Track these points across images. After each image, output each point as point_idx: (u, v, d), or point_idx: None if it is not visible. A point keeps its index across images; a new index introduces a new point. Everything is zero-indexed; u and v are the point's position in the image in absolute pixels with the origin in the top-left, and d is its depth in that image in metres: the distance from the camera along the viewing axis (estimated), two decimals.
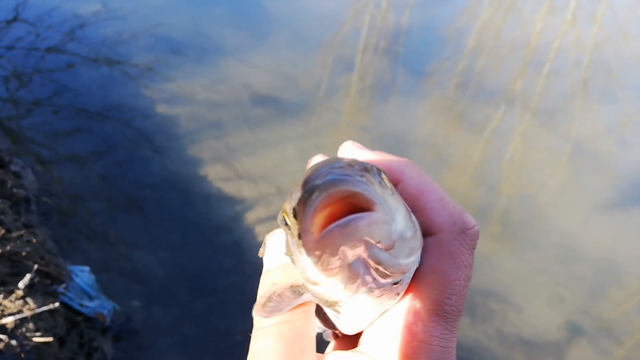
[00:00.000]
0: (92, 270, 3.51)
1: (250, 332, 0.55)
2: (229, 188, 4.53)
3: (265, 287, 0.56)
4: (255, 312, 0.54)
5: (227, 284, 3.77)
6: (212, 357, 3.33)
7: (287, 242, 0.52)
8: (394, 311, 0.51)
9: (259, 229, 4.22)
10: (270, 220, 4.30)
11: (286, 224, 0.48)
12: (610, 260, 4.58)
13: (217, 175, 4.63)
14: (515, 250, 4.53)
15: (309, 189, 0.43)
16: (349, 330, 0.58)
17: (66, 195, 4.29)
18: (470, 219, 0.52)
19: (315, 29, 7.16)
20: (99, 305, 3.26)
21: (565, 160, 5.74)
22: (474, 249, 0.52)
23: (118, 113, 5.11)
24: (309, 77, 6.15)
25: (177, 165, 4.69)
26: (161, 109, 5.25)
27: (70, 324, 3.04)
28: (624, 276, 4.50)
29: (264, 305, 0.53)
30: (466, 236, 0.51)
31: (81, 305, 3.17)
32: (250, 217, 4.32)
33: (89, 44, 5.89)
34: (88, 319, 3.17)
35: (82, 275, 3.34)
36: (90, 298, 3.27)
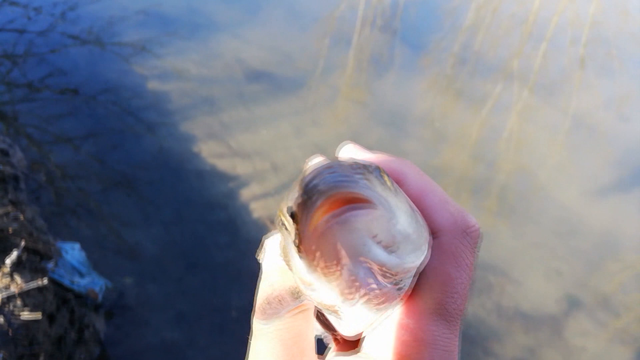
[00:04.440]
0: (83, 248, 3.45)
1: (249, 335, 0.54)
2: (223, 164, 4.46)
3: (264, 290, 0.55)
4: (254, 317, 0.54)
5: (222, 260, 3.72)
6: (206, 333, 3.29)
7: (283, 246, 0.49)
8: (396, 313, 0.51)
9: (253, 206, 4.16)
10: (266, 197, 4.24)
11: (283, 226, 0.45)
12: (608, 234, 4.54)
13: (210, 152, 4.55)
14: (513, 224, 4.49)
15: (308, 191, 0.42)
16: (350, 334, 0.56)
17: (56, 172, 4.21)
18: (472, 219, 0.52)
19: (312, 3, 7.02)
20: (91, 282, 3.20)
21: (563, 135, 5.68)
22: (476, 249, 0.52)
23: (110, 91, 5.02)
24: (305, 53, 6.04)
25: (169, 141, 4.60)
26: (153, 85, 5.15)
27: (61, 301, 2.98)
28: (622, 250, 4.47)
29: (263, 308, 0.53)
30: (468, 236, 0.51)
31: (72, 281, 3.11)
32: (245, 193, 4.26)
33: (80, 25, 5.78)
34: (79, 296, 3.11)
35: (73, 252, 3.27)
36: (81, 275, 3.21)
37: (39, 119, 4.63)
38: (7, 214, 3.15)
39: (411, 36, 6.85)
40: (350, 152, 0.59)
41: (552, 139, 5.59)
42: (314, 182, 0.42)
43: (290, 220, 0.43)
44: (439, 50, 6.76)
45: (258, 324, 0.53)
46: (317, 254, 0.41)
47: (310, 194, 0.41)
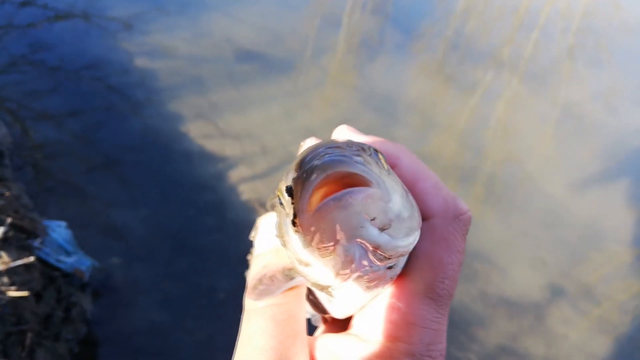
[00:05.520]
0: (70, 227, 3.40)
1: (241, 314, 0.55)
2: (212, 146, 4.41)
3: (257, 269, 0.56)
4: (246, 295, 0.54)
5: (209, 243, 3.70)
6: (193, 315, 3.30)
7: (278, 224, 0.50)
8: (387, 294, 0.52)
9: (242, 188, 4.13)
10: (255, 180, 4.22)
11: (281, 204, 0.46)
12: (593, 225, 4.62)
13: (199, 133, 4.50)
14: (500, 213, 4.54)
15: (307, 170, 0.42)
16: (341, 314, 0.58)
17: (43, 151, 4.13)
18: (463, 205, 0.54)
19: None
20: (77, 261, 3.17)
21: (552, 125, 5.73)
22: (467, 234, 0.53)
23: (96, 68, 4.91)
24: (295, 34, 5.96)
25: (157, 121, 4.53)
26: (140, 62, 5.05)
27: (47, 279, 2.95)
28: (605, 241, 4.56)
29: (255, 287, 0.53)
30: (459, 221, 0.53)
31: (58, 260, 3.08)
32: (234, 175, 4.23)
33: None
34: (66, 275, 3.09)
35: (59, 230, 3.23)
36: (68, 254, 3.17)
37: (21, 95, 4.52)
38: None
39: (402, 20, 6.81)
40: (344, 134, 0.60)
41: (540, 129, 5.63)
42: (312, 160, 0.43)
43: (288, 197, 0.43)
44: (431, 36, 6.73)
45: (250, 302, 0.54)
46: (314, 230, 0.42)
47: (308, 172, 0.42)
